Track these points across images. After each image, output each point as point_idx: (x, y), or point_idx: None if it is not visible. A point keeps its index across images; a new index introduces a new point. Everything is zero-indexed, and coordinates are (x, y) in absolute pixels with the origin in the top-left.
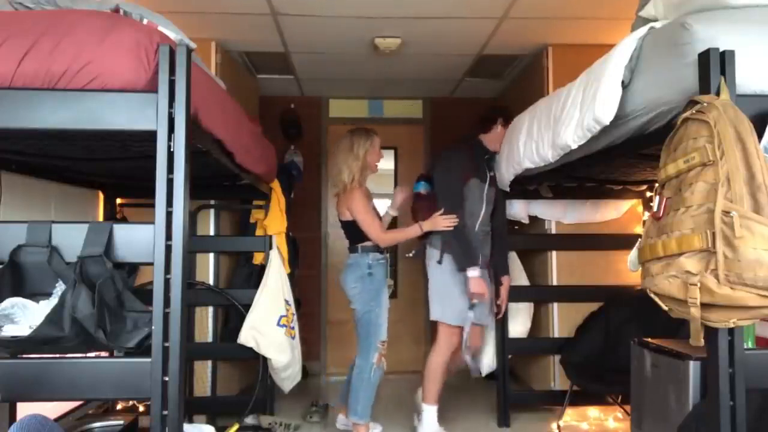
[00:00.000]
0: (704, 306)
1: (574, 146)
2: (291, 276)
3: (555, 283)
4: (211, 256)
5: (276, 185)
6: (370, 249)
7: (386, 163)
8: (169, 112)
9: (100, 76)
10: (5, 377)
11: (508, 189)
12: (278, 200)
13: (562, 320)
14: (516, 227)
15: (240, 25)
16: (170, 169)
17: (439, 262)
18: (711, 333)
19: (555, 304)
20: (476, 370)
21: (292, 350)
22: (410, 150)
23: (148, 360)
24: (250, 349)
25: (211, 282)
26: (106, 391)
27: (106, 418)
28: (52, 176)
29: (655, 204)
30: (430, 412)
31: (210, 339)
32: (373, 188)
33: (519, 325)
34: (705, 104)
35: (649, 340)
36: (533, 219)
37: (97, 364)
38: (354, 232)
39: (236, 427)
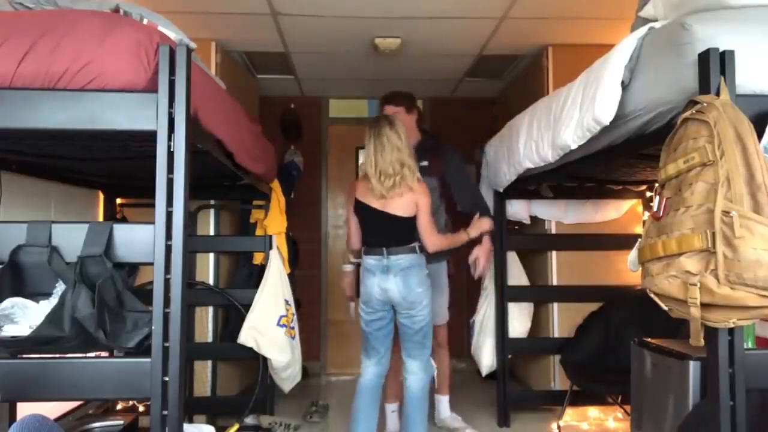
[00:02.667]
0: (704, 306)
1: (574, 146)
2: (291, 276)
3: (555, 283)
4: (211, 256)
5: (276, 185)
6: (421, 249)
7: None
8: (169, 112)
9: (100, 76)
10: (5, 377)
11: (501, 190)
12: (278, 200)
13: (562, 320)
14: (516, 227)
15: (240, 25)
16: (170, 169)
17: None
18: (711, 333)
19: (555, 304)
20: None
21: (292, 350)
22: None
23: (148, 360)
24: (250, 349)
25: (211, 282)
26: (106, 391)
27: (106, 418)
28: (52, 176)
29: (655, 204)
30: (446, 402)
31: (210, 339)
32: None
33: (519, 325)
34: (705, 104)
35: (649, 340)
36: (533, 219)
37: (97, 364)
38: (410, 230)
39: (236, 427)
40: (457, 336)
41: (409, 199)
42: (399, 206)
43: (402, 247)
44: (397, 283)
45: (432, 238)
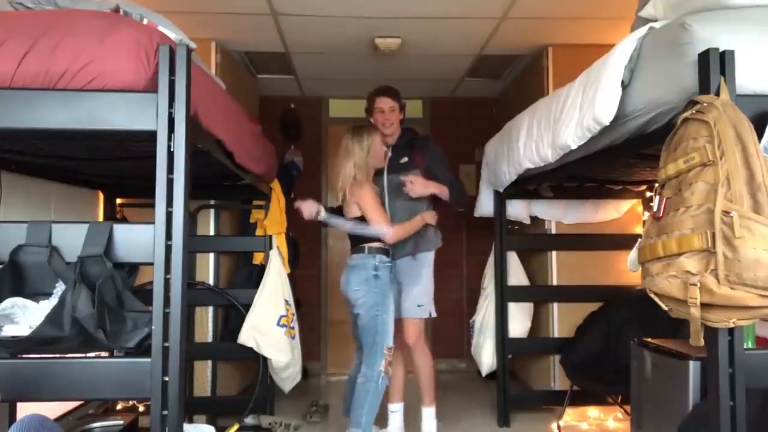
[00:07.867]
0: (704, 306)
1: (574, 146)
2: (291, 276)
3: (555, 283)
4: (211, 256)
5: (276, 185)
6: (377, 250)
7: None
8: (169, 112)
9: (100, 76)
10: (5, 377)
11: (501, 190)
12: (278, 200)
13: (562, 320)
14: (516, 227)
15: (240, 25)
16: (170, 169)
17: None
18: (711, 333)
19: (555, 304)
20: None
21: (292, 350)
22: None
23: (148, 360)
24: (250, 349)
25: (211, 282)
26: (106, 391)
27: (106, 418)
28: (52, 176)
29: (655, 204)
30: (432, 415)
31: (210, 339)
32: None
33: (519, 325)
34: (705, 104)
35: (649, 340)
36: (533, 219)
37: (97, 364)
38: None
39: (236, 427)
40: (457, 336)
41: (354, 200)
42: (350, 209)
43: (356, 247)
44: (343, 280)
45: (384, 229)
